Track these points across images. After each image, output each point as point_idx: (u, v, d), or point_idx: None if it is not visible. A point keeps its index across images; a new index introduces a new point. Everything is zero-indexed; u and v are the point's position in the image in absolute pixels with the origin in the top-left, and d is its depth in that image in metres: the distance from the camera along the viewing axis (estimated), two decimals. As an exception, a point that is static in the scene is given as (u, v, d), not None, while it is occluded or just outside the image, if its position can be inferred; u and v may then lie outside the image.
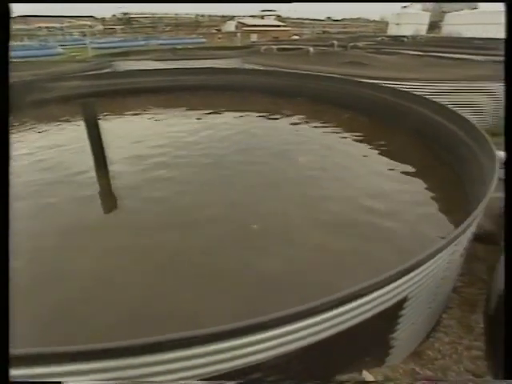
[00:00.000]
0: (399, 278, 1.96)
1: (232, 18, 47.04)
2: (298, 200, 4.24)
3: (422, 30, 41.67)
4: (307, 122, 7.23)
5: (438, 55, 15.17)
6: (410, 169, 5.06)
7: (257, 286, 2.89)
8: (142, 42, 33.73)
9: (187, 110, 8.35)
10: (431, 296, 2.59)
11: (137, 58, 14.77)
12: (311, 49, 14.93)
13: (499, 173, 3.16)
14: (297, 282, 2.94)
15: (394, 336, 2.53)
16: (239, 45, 21.65)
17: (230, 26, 43.30)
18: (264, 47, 16.87)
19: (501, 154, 4.81)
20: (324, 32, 41.62)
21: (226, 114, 8.05)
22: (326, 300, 1.68)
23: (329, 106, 7.86)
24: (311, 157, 5.41)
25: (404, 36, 29.59)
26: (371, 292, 1.85)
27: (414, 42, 25.23)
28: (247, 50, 15.30)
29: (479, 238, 4.33)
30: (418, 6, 50.20)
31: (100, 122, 4.67)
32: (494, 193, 4.55)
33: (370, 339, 2.37)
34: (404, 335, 2.63)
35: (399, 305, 2.24)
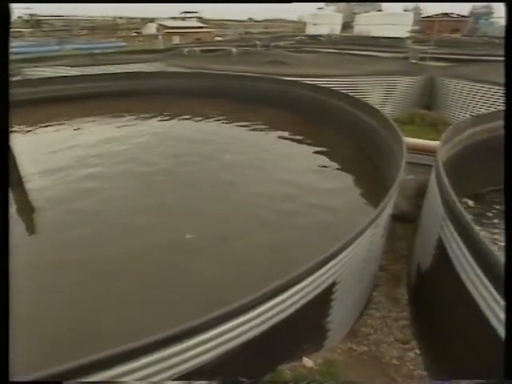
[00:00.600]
0: (324, 265, 2.05)
1: (152, 20, 45.52)
2: (231, 198, 4.26)
3: (337, 29, 44.03)
4: (233, 122, 7.28)
5: (351, 53, 16.15)
6: (332, 158, 5.35)
7: (192, 288, 2.85)
8: (56, 47, 31.32)
9: (108, 117, 7.93)
10: (358, 277, 2.75)
11: (51, 64, 13.70)
12: (234, 49, 15.04)
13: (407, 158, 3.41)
14: (233, 281, 2.94)
15: (329, 320, 2.65)
16: (161, 48, 21.09)
17: (151, 29, 41.96)
18: (187, 49, 16.64)
19: (407, 140, 5.27)
20: (246, 33, 42.13)
21: (150, 119, 7.79)
22: (255, 296, 1.70)
23: (253, 104, 7.97)
24: (239, 155, 5.46)
25: (321, 35, 31.06)
26: (299, 282, 1.92)
27: (329, 40, 26.59)
28: (170, 53, 14.96)
29: (398, 218, 4.70)
30: (332, 7, 53.07)
31: (11, 135, 4.25)
32: (407, 175, 5.00)
33: (306, 327, 2.45)
34: (338, 318, 2.76)
35: (329, 290, 2.35)
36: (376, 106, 5.53)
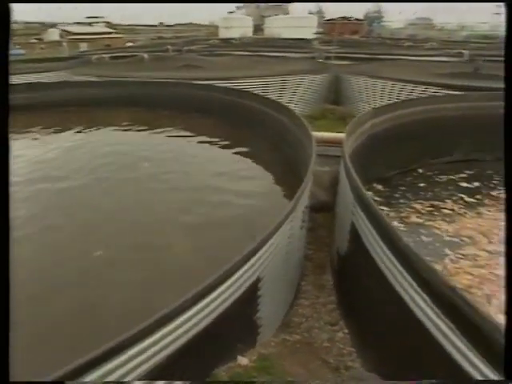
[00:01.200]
0: (245, 263, 2.06)
1: (53, 25, 41.96)
2: (151, 206, 4.11)
3: (249, 32, 45.01)
4: (149, 129, 7.04)
5: (262, 54, 16.61)
6: (250, 158, 5.47)
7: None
8: None
9: (12, 133, 7.14)
10: (282, 270, 2.82)
11: None
12: (146, 55, 14.55)
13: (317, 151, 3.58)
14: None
15: (259, 316, 2.68)
16: (67, 55, 19.60)
17: (53, 35, 38.72)
18: (95, 56, 15.69)
19: (321, 135, 5.56)
20: (158, 37, 41.04)
21: (59, 133, 7.19)
22: (176, 304, 1.64)
23: (168, 110, 7.78)
24: (158, 162, 5.31)
25: (233, 38, 31.46)
26: (221, 284, 1.90)
27: (242, 43, 27.05)
28: (76, 61, 13.97)
29: (317, 208, 4.93)
30: (243, 10, 54.07)
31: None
32: (323, 167, 5.26)
33: (237, 326, 2.45)
34: (268, 312, 2.80)
35: (254, 286, 2.36)
36: (286, 105, 5.74)
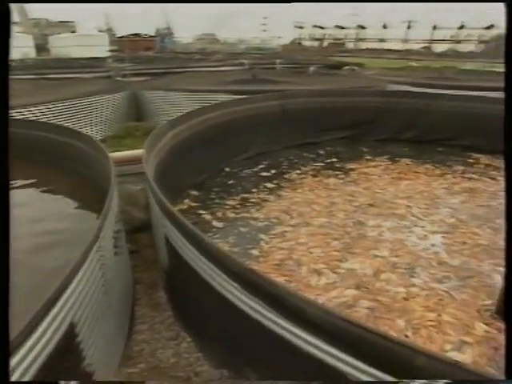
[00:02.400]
0: (47, 312, 1.77)
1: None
2: None
3: (31, 53, 39.56)
4: None
5: (50, 77, 14.88)
6: (57, 193, 4.80)
7: None
8: None
9: None
10: (104, 304, 2.57)
11: None
12: None
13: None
14: None
15: (88, 363, 2.37)
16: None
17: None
18: None
19: (125, 154, 5.35)
20: None
21: None
22: None
23: None
24: None
25: (12, 60, 26.98)
26: (23, 341, 1.57)
27: (23, 66, 23.54)
28: None
29: (139, 228, 4.74)
30: (19, 28, 46.81)
31: None
32: (137, 185, 5.07)
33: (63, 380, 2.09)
34: (99, 354, 2.51)
35: (70, 334, 2.07)
36: (85, 129, 5.28)
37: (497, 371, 2.55)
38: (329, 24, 60.07)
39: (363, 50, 54.88)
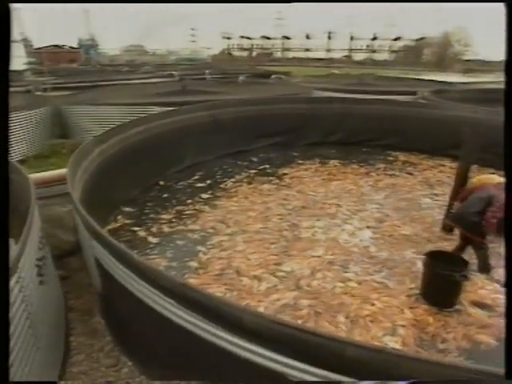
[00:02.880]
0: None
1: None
2: None
3: None
4: None
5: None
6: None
7: None
8: None
9: None
10: (31, 339, 2.36)
11: None
12: None
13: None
14: None
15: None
16: None
17: None
18: None
19: (51, 174, 4.98)
20: None
21: None
22: None
23: None
24: None
25: None
26: None
27: None
28: None
29: (68, 252, 4.43)
30: None
31: None
32: (64, 207, 4.73)
33: None
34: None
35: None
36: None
37: (426, 351, 2.80)
38: (256, 34, 61.57)
39: (290, 59, 57.28)
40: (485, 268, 3.67)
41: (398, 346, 2.84)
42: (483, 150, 5.03)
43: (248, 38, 61.96)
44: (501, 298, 3.34)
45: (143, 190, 5.69)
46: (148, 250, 4.21)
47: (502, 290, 3.44)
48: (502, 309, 3.21)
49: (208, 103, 7.69)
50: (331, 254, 4.08)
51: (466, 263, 3.31)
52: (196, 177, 6.33)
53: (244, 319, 1.79)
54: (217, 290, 3.47)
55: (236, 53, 62.86)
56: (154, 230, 4.62)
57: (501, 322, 3.02)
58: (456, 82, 19.79)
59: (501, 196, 3.33)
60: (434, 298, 3.32)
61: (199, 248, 4.20)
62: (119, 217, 4.91)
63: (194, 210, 5.13)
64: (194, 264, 3.91)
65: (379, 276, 3.74)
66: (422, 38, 53.48)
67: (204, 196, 5.55)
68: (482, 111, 7.63)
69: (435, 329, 3.03)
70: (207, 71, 17.64)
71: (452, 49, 51.92)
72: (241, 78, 15.71)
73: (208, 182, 6.15)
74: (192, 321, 2.04)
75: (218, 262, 3.95)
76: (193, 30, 61.62)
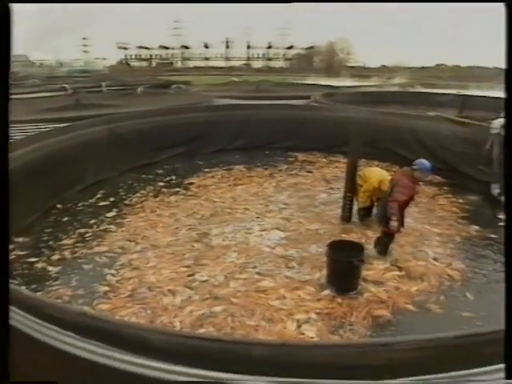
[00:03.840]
0: None
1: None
2: None
3: None
4: None
5: None
6: None
7: None
8: None
9: None
10: None
11: None
12: None
13: None
14: None
15: None
16: None
17: None
18: None
19: None
20: None
21: None
22: None
23: None
24: None
25: None
26: None
27: None
28: None
29: None
30: None
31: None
32: None
33: None
34: None
35: None
36: None
37: (338, 335, 3.04)
38: (154, 44, 59.77)
39: (191, 68, 56.83)
40: (383, 252, 4.15)
41: (314, 336, 3.02)
42: (368, 145, 5.67)
43: (146, 48, 59.84)
44: (392, 274, 3.83)
45: (39, 215, 5.12)
46: (49, 282, 3.81)
47: (394, 268, 3.96)
48: (393, 283, 3.70)
49: (105, 117, 7.25)
50: (243, 258, 4.18)
51: (362, 249, 3.69)
52: (98, 195, 5.92)
53: (151, 338, 1.75)
54: (130, 312, 3.31)
55: (135, 63, 60.17)
56: (54, 258, 4.19)
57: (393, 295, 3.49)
58: (343, 86, 21.87)
59: (402, 180, 3.87)
60: (338, 284, 3.62)
61: (107, 271, 3.95)
62: (11, 248, 4.35)
63: (99, 230, 4.80)
64: (102, 288, 3.66)
65: (290, 272, 3.93)
66: (311, 47, 57.81)
67: (109, 215, 5.22)
68: (365, 111, 8.59)
69: (343, 313, 3.29)
70: (104, 83, 16.59)
71: (337, 56, 57.24)
72: (139, 89, 15.11)
73: (111, 199, 5.80)
74: (96, 350, 1.91)
75: (128, 282, 3.77)
76: (84, 39, 57.13)
